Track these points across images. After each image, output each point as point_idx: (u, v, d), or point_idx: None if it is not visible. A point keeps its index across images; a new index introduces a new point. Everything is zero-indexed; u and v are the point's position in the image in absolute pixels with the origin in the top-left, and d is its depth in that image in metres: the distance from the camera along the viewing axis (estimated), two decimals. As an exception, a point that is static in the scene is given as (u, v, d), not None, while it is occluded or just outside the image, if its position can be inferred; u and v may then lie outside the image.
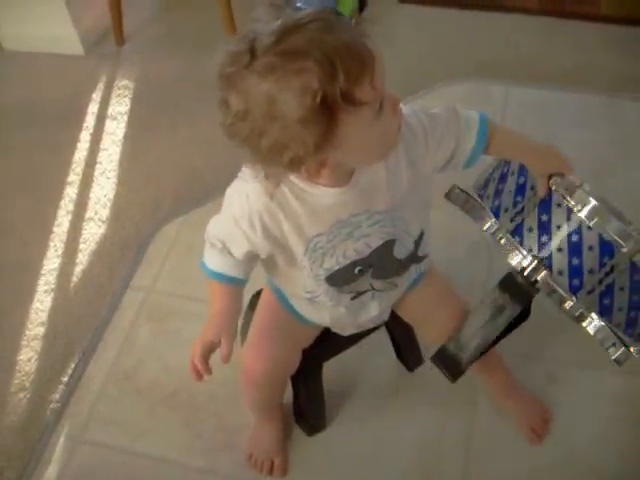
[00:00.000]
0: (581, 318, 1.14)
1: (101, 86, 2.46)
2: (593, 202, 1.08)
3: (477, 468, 1.36)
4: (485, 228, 1.19)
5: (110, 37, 2.65)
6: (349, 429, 1.43)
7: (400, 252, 1.09)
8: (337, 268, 1.04)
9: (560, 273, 1.13)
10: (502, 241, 1.19)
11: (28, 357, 1.60)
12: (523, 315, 1.27)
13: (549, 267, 1.14)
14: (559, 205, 1.13)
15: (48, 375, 1.56)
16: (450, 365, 1.26)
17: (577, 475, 1.35)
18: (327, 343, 1.26)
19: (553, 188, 1.12)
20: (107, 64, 2.57)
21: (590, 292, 1.13)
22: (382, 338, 1.43)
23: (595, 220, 1.08)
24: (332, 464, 1.38)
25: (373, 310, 1.18)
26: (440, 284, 1.27)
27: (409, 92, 2.25)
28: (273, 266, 1.08)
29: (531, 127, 2.11)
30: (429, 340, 1.29)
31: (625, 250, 1.08)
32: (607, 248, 1.09)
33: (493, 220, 1.20)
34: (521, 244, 1.16)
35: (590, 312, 1.14)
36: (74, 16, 2.54)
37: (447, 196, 1.26)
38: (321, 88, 0.78)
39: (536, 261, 1.14)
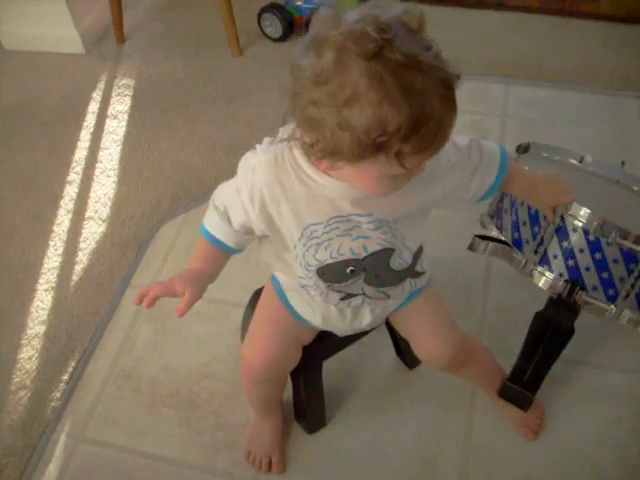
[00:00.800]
0: (630, 320, 1.25)
1: (101, 85, 2.46)
2: (603, 220, 1.17)
3: (476, 466, 1.36)
4: (517, 267, 1.30)
5: (110, 36, 2.66)
6: (349, 427, 1.43)
7: (396, 263, 1.07)
8: (329, 262, 1.03)
9: (594, 288, 1.24)
10: (534, 273, 1.29)
11: (29, 355, 1.60)
12: (571, 331, 1.34)
13: (583, 286, 1.24)
14: (575, 230, 1.22)
15: (48, 373, 1.56)
16: (519, 397, 1.36)
17: (577, 474, 1.35)
18: (327, 341, 1.26)
19: (564, 215, 1.21)
20: (107, 63, 2.57)
21: (626, 297, 1.23)
22: (382, 336, 1.43)
23: (612, 236, 1.17)
24: (331, 462, 1.38)
25: (365, 319, 1.17)
26: (435, 305, 1.24)
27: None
28: (270, 249, 1.08)
29: (532, 126, 2.13)
30: (419, 357, 1.28)
31: None
32: (629, 256, 1.19)
33: (520, 256, 1.30)
34: (551, 271, 1.27)
35: (633, 312, 1.24)
36: (74, 15, 2.54)
37: (470, 248, 1.36)
38: (388, 135, 0.79)
39: (570, 284, 1.24)
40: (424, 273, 1.14)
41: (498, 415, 1.42)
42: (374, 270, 1.06)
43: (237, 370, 1.28)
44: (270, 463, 1.36)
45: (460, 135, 1.03)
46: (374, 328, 1.28)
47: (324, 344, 1.27)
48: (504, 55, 2.46)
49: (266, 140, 0.99)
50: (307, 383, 1.33)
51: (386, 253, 1.04)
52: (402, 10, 0.82)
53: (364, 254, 1.03)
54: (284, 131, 0.96)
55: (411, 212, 1.03)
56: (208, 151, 2.12)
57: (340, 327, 1.21)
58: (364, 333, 1.29)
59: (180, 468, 1.39)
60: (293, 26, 2.55)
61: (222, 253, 1.10)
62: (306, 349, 1.24)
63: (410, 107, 0.77)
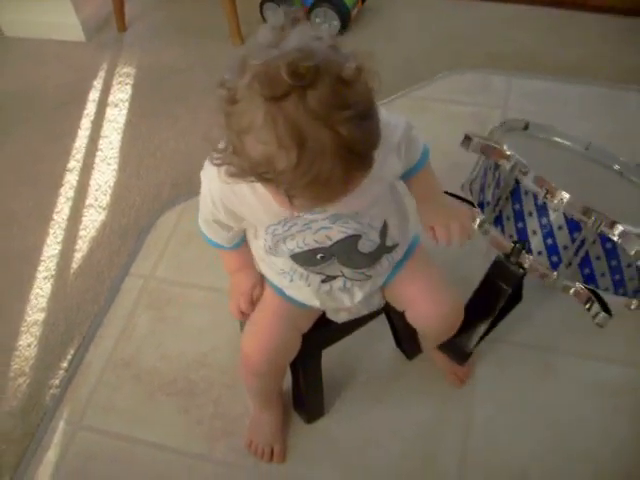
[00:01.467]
0: (567, 289, 1.28)
1: (102, 73, 2.45)
2: (552, 185, 1.20)
3: (475, 456, 1.36)
4: (475, 225, 1.36)
5: (112, 24, 2.65)
6: (348, 416, 1.43)
7: (365, 246, 1.07)
8: (298, 251, 1.05)
9: (539, 253, 1.28)
10: (488, 232, 1.35)
11: (28, 343, 1.60)
12: (516, 297, 1.39)
13: (529, 249, 1.28)
14: (526, 193, 1.27)
15: (47, 361, 1.56)
16: (457, 351, 1.42)
17: (575, 465, 1.35)
18: (326, 330, 1.26)
19: (518, 178, 1.25)
20: (108, 51, 2.57)
21: (568, 265, 1.26)
22: (382, 326, 1.43)
23: (556, 202, 1.20)
24: (330, 451, 1.39)
25: (357, 295, 1.17)
26: (424, 269, 1.22)
27: (411, 82, 2.25)
28: (252, 241, 1.14)
29: (532, 118, 2.11)
30: (415, 326, 1.26)
31: (590, 223, 1.19)
32: (574, 225, 1.23)
33: (480, 215, 1.36)
34: (502, 232, 1.32)
35: (574, 282, 1.27)
36: (76, 2, 2.53)
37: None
38: (275, 174, 0.78)
39: (517, 245, 1.28)
40: (397, 245, 1.14)
41: (497, 405, 1.43)
42: (344, 255, 1.07)
43: (236, 359, 1.28)
44: (272, 453, 1.37)
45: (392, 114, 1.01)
46: (375, 316, 1.28)
47: (323, 333, 1.27)
48: (506, 47, 2.45)
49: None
50: (306, 372, 1.33)
51: (352, 239, 1.05)
52: (345, 54, 0.79)
53: (329, 242, 1.04)
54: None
55: (367, 205, 1.03)
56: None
57: (335, 305, 1.20)
58: (364, 321, 1.29)
59: (178, 456, 1.39)
60: (295, 16, 2.53)
61: (238, 250, 1.17)
62: (305, 338, 1.23)
63: (299, 156, 0.75)
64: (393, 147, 1.01)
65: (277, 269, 1.13)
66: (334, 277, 1.12)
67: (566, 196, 1.18)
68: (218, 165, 0.87)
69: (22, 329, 1.63)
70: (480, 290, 1.42)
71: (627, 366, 1.49)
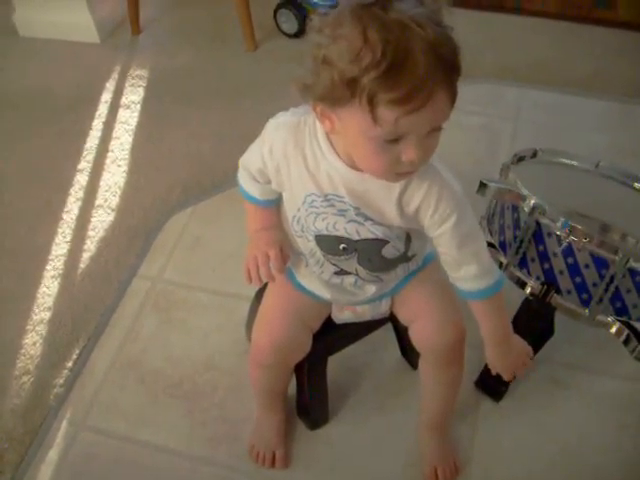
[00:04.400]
0: (600, 324, 1.27)
1: (115, 75, 2.47)
2: (575, 226, 1.19)
3: (479, 468, 1.36)
4: (500, 266, 1.34)
5: (126, 26, 2.67)
6: (351, 424, 1.43)
7: (389, 253, 1.08)
8: (324, 233, 1.05)
9: (569, 292, 1.27)
10: (514, 274, 1.34)
11: (33, 341, 1.60)
12: (548, 332, 1.39)
13: (558, 289, 1.27)
14: (549, 235, 1.25)
15: (52, 360, 1.56)
16: (491, 388, 1.43)
17: (579, 479, 1.34)
18: (333, 336, 1.26)
19: (539, 220, 1.24)
20: (122, 53, 2.58)
21: (600, 301, 1.25)
22: (387, 335, 1.43)
23: (582, 242, 1.19)
24: (333, 458, 1.38)
25: (369, 291, 1.17)
26: (432, 286, 1.19)
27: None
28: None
29: (544, 131, 2.12)
30: (416, 345, 1.22)
31: (617, 260, 1.18)
32: (601, 262, 1.21)
33: (502, 257, 1.36)
34: (529, 274, 1.31)
35: (607, 316, 1.26)
36: (91, 4, 2.55)
37: None
38: (361, 70, 0.79)
39: (545, 287, 1.28)
40: (415, 255, 1.14)
41: (501, 418, 1.42)
42: (366, 254, 1.07)
43: (241, 363, 1.28)
44: (274, 458, 1.36)
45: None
46: (381, 324, 1.28)
47: (330, 339, 1.26)
48: (519, 59, 2.45)
49: (301, 106, 1.02)
50: (311, 378, 1.32)
51: (379, 242, 1.05)
52: None
53: (357, 237, 1.04)
54: None
55: (396, 225, 1.03)
56: (219, 144, 2.12)
57: (345, 300, 1.20)
58: (370, 329, 1.29)
59: (181, 459, 1.39)
60: (309, 23, 2.54)
61: (269, 208, 1.16)
62: (311, 344, 1.23)
63: (384, 48, 0.78)
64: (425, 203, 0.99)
65: (295, 249, 1.14)
66: (348, 273, 1.12)
67: (591, 236, 1.18)
68: (304, 94, 0.89)
69: (28, 327, 1.63)
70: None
71: (633, 381, 1.49)
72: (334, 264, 1.11)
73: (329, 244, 1.07)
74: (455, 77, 0.84)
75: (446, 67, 0.82)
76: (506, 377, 1.16)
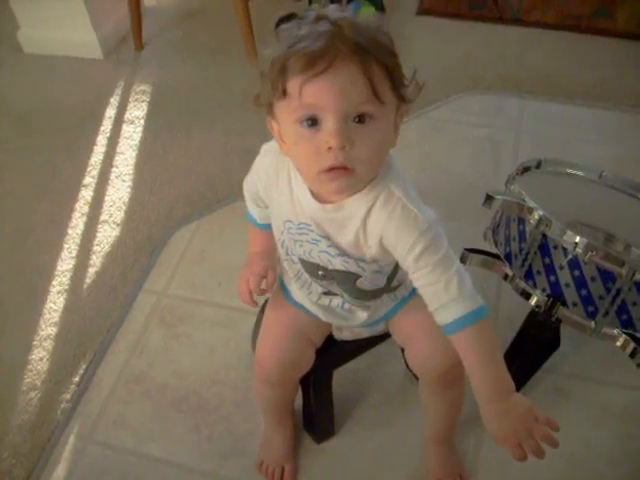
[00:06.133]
0: (606, 336, 1.26)
1: (119, 90, 2.48)
2: (580, 239, 1.18)
3: (484, 479, 1.36)
4: (505, 278, 1.35)
5: (129, 42, 2.68)
6: (357, 437, 1.43)
7: (365, 285, 1.08)
8: (304, 259, 1.08)
9: (575, 305, 1.26)
10: (519, 287, 1.33)
11: (40, 357, 1.61)
12: (554, 344, 1.39)
13: (564, 302, 1.26)
14: (555, 247, 1.25)
15: (59, 375, 1.57)
16: None
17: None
18: (337, 350, 1.26)
19: (545, 232, 1.24)
20: (125, 68, 2.59)
21: (606, 314, 1.24)
22: (392, 348, 1.43)
23: (588, 255, 1.18)
24: (339, 472, 1.38)
25: (360, 316, 1.17)
26: (426, 309, 1.07)
27: (424, 104, 2.26)
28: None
29: (546, 141, 2.13)
30: (412, 367, 1.22)
31: (624, 273, 1.18)
32: (607, 275, 1.21)
33: (508, 269, 1.35)
34: (535, 286, 1.30)
35: (613, 329, 1.26)
36: (94, 20, 2.56)
37: (461, 261, 1.36)
38: (283, 58, 0.85)
39: (551, 299, 1.27)
40: (401, 285, 1.14)
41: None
42: (343, 284, 1.08)
43: (247, 377, 1.29)
44: (282, 473, 1.36)
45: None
46: (384, 338, 1.28)
47: (334, 353, 1.27)
48: (520, 70, 2.46)
49: None
50: (317, 392, 1.33)
51: (351, 276, 1.06)
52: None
53: (330, 266, 1.05)
54: None
55: (369, 257, 1.02)
56: (223, 158, 2.13)
57: (337, 322, 1.20)
58: (374, 344, 1.29)
59: (188, 473, 1.39)
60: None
61: (268, 232, 1.17)
62: (316, 357, 1.24)
63: (300, 37, 0.85)
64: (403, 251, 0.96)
65: (287, 270, 1.16)
66: (335, 294, 1.13)
67: (597, 249, 1.18)
68: (261, 103, 0.95)
69: (35, 343, 1.64)
70: (517, 341, 1.44)
71: (638, 390, 1.48)
72: (320, 285, 1.12)
73: (310, 268, 1.09)
74: (370, 58, 0.85)
75: (354, 45, 0.84)
76: (512, 451, 0.93)
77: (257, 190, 1.10)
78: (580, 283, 1.23)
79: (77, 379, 1.56)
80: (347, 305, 1.15)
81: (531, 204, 1.26)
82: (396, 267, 1.07)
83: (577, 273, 1.23)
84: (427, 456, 1.37)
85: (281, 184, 1.03)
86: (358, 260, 1.03)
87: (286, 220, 1.05)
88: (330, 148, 0.86)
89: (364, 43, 0.84)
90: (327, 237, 1.01)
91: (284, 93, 0.86)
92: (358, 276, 1.06)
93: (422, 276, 0.96)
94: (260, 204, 1.15)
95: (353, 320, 1.18)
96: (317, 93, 0.84)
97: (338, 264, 1.04)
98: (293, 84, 0.85)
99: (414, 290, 1.11)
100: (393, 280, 1.10)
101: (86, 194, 2.05)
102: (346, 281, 1.08)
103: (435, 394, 1.23)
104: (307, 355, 1.22)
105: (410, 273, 0.98)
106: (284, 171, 1.02)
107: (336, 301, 1.15)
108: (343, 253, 1.02)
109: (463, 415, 1.34)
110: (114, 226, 1.93)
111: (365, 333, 1.25)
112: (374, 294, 1.12)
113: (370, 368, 1.53)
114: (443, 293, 0.95)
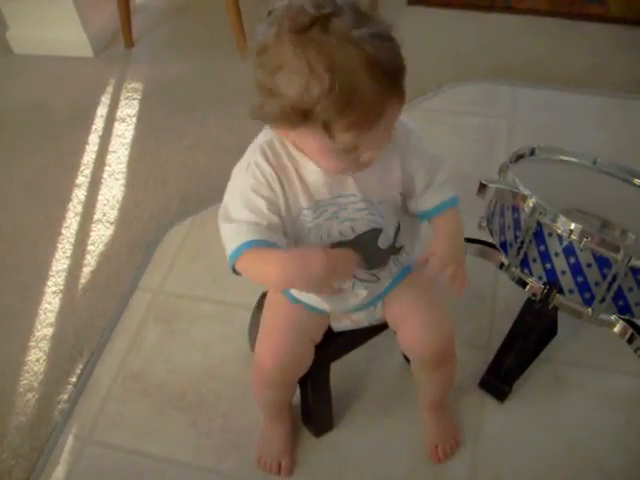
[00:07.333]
0: (603, 323, 1.28)
1: (110, 88, 2.47)
2: (575, 225, 1.18)
3: (485, 469, 1.35)
4: (501, 267, 1.36)
5: (119, 40, 2.67)
6: (356, 430, 1.43)
7: (382, 242, 1.10)
8: (326, 243, 1.06)
9: (571, 291, 1.26)
10: (515, 274, 1.34)
11: (36, 358, 1.60)
12: (552, 332, 1.39)
13: (560, 289, 1.26)
14: (550, 234, 1.25)
15: (56, 376, 1.56)
16: (495, 389, 1.44)
17: (586, 477, 1.34)
18: (334, 343, 1.25)
19: (540, 220, 1.24)
20: (116, 67, 2.59)
21: (602, 300, 1.24)
22: (390, 340, 1.42)
23: (584, 242, 1.18)
24: (339, 465, 1.38)
25: (360, 295, 1.17)
26: (420, 288, 1.19)
27: (418, 93, 2.25)
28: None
29: (540, 129, 2.12)
30: (403, 350, 1.24)
31: (620, 259, 1.17)
32: (603, 261, 1.20)
33: (504, 258, 1.35)
34: (531, 274, 1.30)
35: (610, 315, 1.27)
36: (83, 19, 2.56)
37: None
38: (312, 104, 0.82)
39: (548, 287, 1.27)
40: (402, 248, 1.15)
41: (506, 417, 1.42)
42: (364, 250, 1.07)
43: (245, 372, 1.28)
44: (279, 467, 1.36)
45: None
46: (382, 329, 1.28)
47: (331, 346, 1.26)
48: (514, 58, 2.45)
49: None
50: (315, 386, 1.32)
51: (374, 233, 1.07)
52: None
53: (352, 235, 1.06)
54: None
55: (395, 194, 1.06)
56: (216, 154, 2.12)
57: (342, 307, 1.20)
58: (371, 335, 1.29)
59: (187, 470, 1.39)
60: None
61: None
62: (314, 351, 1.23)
63: (332, 78, 0.80)
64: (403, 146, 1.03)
65: None
66: None
67: (592, 235, 1.17)
68: (255, 117, 0.91)
69: (31, 344, 1.63)
70: (514, 329, 1.45)
71: (638, 377, 1.48)
72: None
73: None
74: (401, 82, 0.87)
75: (391, 79, 0.84)
76: (435, 269, 1.04)
77: (273, 195, 0.99)
78: (576, 270, 1.23)
79: (74, 379, 1.55)
80: (357, 283, 1.14)
81: (525, 192, 1.25)
82: (399, 225, 1.10)
83: (573, 260, 1.22)
84: (422, 422, 1.38)
85: (288, 174, 0.99)
86: (378, 204, 1.05)
87: (301, 209, 1.01)
88: (368, 160, 0.93)
89: (393, 69, 0.85)
90: (354, 194, 1.02)
91: (329, 137, 0.86)
92: (380, 231, 1.07)
93: (420, 156, 1.06)
94: (275, 220, 1.00)
95: (355, 298, 1.17)
96: (371, 137, 0.88)
97: (362, 224, 1.05)
98: (343, 136, 0.86)
99: (408, 267, 1.18)
100: (398, 236, 1.11)
101: (79, 193, 2.04)
102: (368, 244, 1.08)
103: (428, 373, 1.26)
104: (307, 354, 1.21)
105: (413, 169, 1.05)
106: (284, 160, 0.99)
107: (346, 284, 1.13)
108: (370, 205, 1.04)
109: (464, 383, 1.35)
110: (108, 225, 1.92)
111: (364, 320, 1.24)
112: (386, 254, 1.12)
113: (367, 361, 1.52)
114: (438, 172, 1.08)
